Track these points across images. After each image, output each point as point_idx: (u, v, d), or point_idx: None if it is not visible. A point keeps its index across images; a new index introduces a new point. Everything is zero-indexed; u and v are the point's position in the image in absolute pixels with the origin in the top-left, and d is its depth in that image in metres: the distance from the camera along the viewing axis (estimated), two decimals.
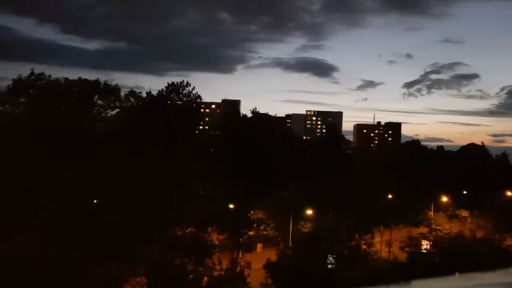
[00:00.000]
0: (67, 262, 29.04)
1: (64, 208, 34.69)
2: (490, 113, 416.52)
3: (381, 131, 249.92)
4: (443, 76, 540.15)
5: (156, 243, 40.10)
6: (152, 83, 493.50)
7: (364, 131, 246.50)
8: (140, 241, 37.77)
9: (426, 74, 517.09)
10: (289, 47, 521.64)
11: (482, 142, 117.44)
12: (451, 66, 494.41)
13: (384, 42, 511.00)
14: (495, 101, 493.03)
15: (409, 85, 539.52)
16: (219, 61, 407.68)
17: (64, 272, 28.87)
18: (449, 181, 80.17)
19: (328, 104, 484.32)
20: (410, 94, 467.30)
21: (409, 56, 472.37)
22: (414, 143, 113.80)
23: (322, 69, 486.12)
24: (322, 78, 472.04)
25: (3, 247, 27.53)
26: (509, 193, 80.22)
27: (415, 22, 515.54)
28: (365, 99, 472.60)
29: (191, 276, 36.34)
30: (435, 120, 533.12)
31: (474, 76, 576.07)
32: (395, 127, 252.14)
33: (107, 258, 33.14)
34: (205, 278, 37.44)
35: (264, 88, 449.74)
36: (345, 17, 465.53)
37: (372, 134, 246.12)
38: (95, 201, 43.30)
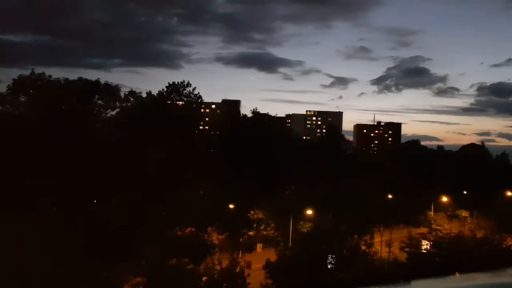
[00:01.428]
0: (67, 262, 29.04)
1: (64, 208, 34.70)
2: (465, 110, 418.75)
3: (381, 131, 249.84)
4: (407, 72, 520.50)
5: (156, 243, 40.09)
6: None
7: (364, 131, 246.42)
8: (140, 241, 37.76)
9: (389, 69, 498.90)
10: (215, 41, 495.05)
11: (482, 142, 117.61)
12: (412, 61, 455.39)
13: (340, 36, 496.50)
14: (469, 99, 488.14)
15: (376, 82, 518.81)
16: (156, 56, 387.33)
17: (64, 272, 28.88)
18: (449, 181, 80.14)
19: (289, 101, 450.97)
20: (380, 92, 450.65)
21: (366, 50, 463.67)
22: (414, 143, 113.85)
23: (269, 64, 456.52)
24: (271, 74, 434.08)
25: (3, 246, 27.53)
26: (509, 193, 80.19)
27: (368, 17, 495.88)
28: (340, 96, 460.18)
29: (190, 276, 36.32)
30: (412, 119, 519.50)
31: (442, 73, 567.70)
32: (395, 127, 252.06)
33: (107, 258, 33.11)
34: (205, 278, 37.43)
35: (210, 83, 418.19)
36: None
37: (372, 134, 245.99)
38: (95, 201, 43.29)
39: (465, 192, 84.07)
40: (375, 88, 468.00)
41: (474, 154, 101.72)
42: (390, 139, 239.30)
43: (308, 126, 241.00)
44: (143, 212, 41.34)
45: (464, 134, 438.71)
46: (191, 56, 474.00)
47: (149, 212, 42.17)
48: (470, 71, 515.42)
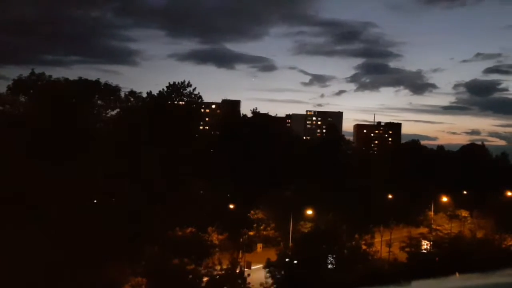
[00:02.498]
0: (67, 262, 29.05)
1: (64, 208, 34.69)
2: (446, 108, 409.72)
3: (381, 131, 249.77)
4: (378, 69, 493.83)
5: (156, 243, 40.10)
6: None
7: (364, 131, 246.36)
8: (140, 241, 37.78)
9: (360, 67, 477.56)
10: (160, 36, 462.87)
11: (482, 142, 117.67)
12: (381, 57, 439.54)
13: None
14: (448, 97, 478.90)
15: (352, 79, 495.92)
16: (110, 52, 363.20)
17: (63, 272, 28.89)
18: (449, 181, 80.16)
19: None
20: (357, 90, 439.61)
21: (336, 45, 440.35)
22: (414, 143, 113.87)
23: (228, 60, 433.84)
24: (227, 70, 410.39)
25: (3, 246, 27.54)
26: (509, 193, 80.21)
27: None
28: (322, 95, 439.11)
29: (191, 276, 36.32)
30: (395, 118, 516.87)
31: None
32: (395, 127, 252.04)
33: (107, 258, 33.13)
34: (205, 278, 37.42)
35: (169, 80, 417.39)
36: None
37: (372, 134, 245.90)
38: (95, 201, 43.31)
39: (465, 192, 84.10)
40: (352, 86, 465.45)
41: (474, 154, 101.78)
42: (390, 139, 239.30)
43: (308, 126, 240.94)
44: (143, 212, 41.36)
45: (454, 133, 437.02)
46: (145, 52, 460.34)
47: (149, 212, 42.19)
48: (442, 67, 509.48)
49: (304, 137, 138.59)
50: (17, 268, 26.81)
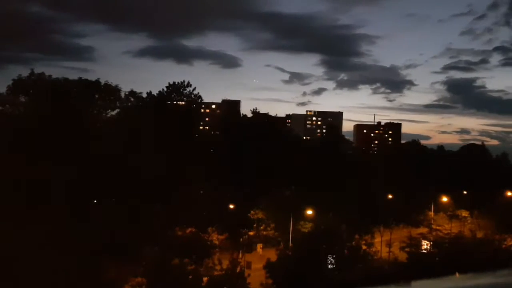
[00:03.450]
0: (67, 262, 29.03)
1: (64, 208, 34.68)
2: (429, 107, 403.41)
3: (381, 131, 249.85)
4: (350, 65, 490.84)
5: (156, 243, 40.11)
6: None
7: (364, 131, 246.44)
8: (140, 241, 37.78)
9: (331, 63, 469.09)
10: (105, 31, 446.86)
11: (482, 142, 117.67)
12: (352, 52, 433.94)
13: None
14: (428, 95, 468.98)
15: (331, 77, 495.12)
16: (64, 49, 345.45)
17: (63, 272, 28.87)
18: (449, 181, 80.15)
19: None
20: (336, 88, 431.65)
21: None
22: (414, 144, 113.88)
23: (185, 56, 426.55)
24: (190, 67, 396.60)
25: (3, 246, 27.54)
26: (509, 193, 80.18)
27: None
28: (303, 92, 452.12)
29: (191, 276, 36.32)
30: (382, 117, 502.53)
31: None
32: (395, 127, 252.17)
33: (107, 258, 33.13)
34: (205, 278, 37.43)
35: (130, 77, 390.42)
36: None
37: (372, 135, 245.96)
38: (95, 201, 43.32)
39: (465, 192, 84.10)
40: (331, 84, 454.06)
41: (474, 154, 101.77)
42: (390, 139, 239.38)
43: (308, 126, 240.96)
44: (143, 212, 41.36)
45: (444, 132, 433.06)
46: (100, 49, 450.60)
47: (149, 212, 42.18)
48: (415, 63, 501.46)
49: (304, 137, 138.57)
50: (17, 268, 26.81)
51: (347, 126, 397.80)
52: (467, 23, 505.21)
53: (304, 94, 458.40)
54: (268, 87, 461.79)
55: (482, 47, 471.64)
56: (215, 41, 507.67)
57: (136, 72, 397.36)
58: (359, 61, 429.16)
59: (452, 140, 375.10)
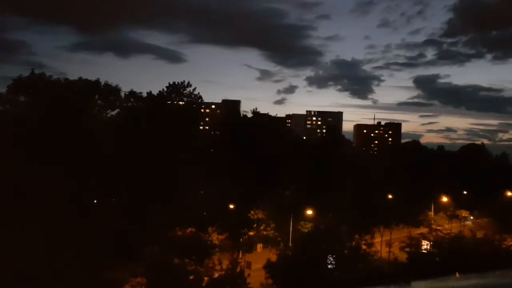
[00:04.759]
0: (68, 262, 29.05)
1: (64, 208, 34.69)
2: (408, 104, 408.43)
3: (381, 131, 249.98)
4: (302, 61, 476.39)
5: (156, 243, 40.10)
6: None
7: (364, 131, 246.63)
8: (140, 241, 37.78)
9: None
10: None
11: (482, 142, 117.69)
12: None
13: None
14: (404, 92, 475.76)
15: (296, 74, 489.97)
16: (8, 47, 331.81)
17: (63, 273, 28.89)
18: (449, 181, 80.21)
19: None
20: (308, 85, 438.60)
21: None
22: (414, 144, 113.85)
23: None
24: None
25: (3, 246, 27.55)
26: (509, 193, 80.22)
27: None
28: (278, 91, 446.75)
29: (191, 277, 36.33)
30: (363, 117, 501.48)
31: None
32: (395, 127, 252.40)
33: (108, 258, 33.13)
34: (205, 278, 37.44)
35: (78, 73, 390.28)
36: None
37: (372, 134, 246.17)
38: (95, 201, 43.29)
39: (465, 192, 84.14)
40: (301, 82, 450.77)
41: (474, 154, 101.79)
42: (390, 139, 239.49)
43: (308, 126, 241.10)
44: (143, 212, 41.36)
45: (431, 130, 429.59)
46: (32, 44, 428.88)
47: (149, 212, 42.17)
48: (376, 56, 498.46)
49: (304, 137, 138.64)
50: (17, 268, 26.81)
51: (348, 126, 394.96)
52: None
53: (279, 92, 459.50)
54: (212, 81, 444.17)
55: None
56: (159, 37, 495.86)
57: (72, 66, 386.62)
58: (317, 57, 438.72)
59: (439, 140, 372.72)
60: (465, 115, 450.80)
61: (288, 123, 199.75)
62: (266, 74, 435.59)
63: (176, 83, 60.81)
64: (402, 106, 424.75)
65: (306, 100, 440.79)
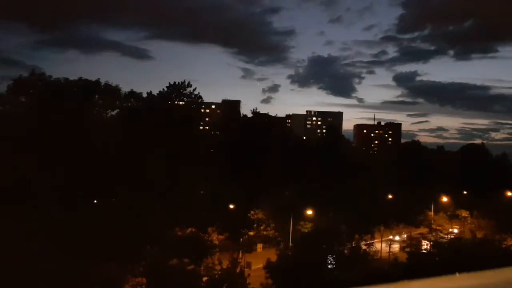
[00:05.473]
0: (67, 262, 29.03)
1: (64, 207, 34.71)
2: (393, 103, 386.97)
3: (381, 131, 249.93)
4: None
5: (156, 243, 40.08)
6: None
7: (364, 131, 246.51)
8: (140, 241, 37.76)
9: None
10: None
11: (482, 142, 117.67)
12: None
13: None
14: (387, 91, 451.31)
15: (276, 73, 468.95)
16: None
17: (63, 272, 28.87)
18: (449, 181, 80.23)
19: None
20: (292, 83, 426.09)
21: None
22: (415, 143, 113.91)
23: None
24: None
25: (3, 246, 27.54)
26: (509, 193, 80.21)
27: None
28: (263, 90, 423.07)
29: (191, 277, 36.31)
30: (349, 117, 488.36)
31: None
32: (395, 127, 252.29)
33: (107, 258, 33.12)
34: (205, 278, 37.42)
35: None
36: None
37: (372, 134, 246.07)
38: (95, 201, 43.30)
39: (465, 192, 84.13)
40: (285, 81, 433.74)
41: (474, 154, 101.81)
42: (390, 139, 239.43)
43: (308, 126, 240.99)
44: (143, 212, 41.33)
45: (422, 129, 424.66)
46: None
47: (149, 212, 42.16)
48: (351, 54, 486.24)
49: (304, 137, 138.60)
50: (17, 268, 26.80)
51: (348, 126, 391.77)
52: None
53: (264, 91, 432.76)
54: (181, 78, 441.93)
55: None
56: (122, 33, 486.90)
57: (38, 63, 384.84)
58: (285, 53, 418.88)
59: (430, 139, 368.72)
60: (452, 114, 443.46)
61: (288, 123, 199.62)
62: (229, 69, 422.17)
63: (177, 83, 60.89)
64: (387, 104, 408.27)
65: (289, 99, 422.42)
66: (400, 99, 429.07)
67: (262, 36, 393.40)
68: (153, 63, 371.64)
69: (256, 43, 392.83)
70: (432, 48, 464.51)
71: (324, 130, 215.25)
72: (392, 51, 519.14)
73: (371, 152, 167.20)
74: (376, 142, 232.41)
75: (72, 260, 29.43)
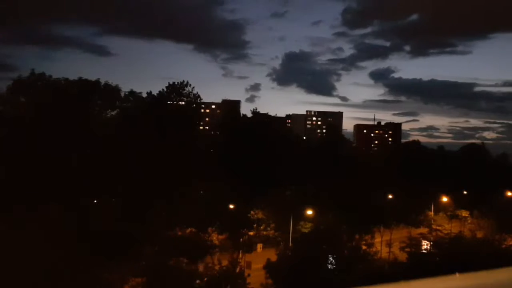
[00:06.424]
0: (67, 262, 29.02)
1: (64, 207, 34.68)
2: (379, 102, 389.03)
3: (381, 131, 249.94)
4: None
5: (156, 243, 40.08)
6: None
7: (364, 131, 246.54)
8: (140, 241, 37.76)
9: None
10: None
11: (482, 142, 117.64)
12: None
13: None
14: (368, 90, 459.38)
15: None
16: None
17: (63, 272, 28.86)
18: (449, 181, 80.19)
19: None
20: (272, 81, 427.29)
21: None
22: (415, 143, 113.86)
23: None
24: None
25: (2, 246, 27.52)
26: (509, 193, 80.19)
27: None
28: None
29: (190, 277, 36.31)
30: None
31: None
32: (395, 127, 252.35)
33: (107, 258, 33.11)
34: (205, 278, 37.42)
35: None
36: None
37: (372, 134, 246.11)
38: (95, 201, 43.29)
39: (465, 192, 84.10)
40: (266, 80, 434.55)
41: (474, 154, 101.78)
42: (390, 139, 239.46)
43: (309, 126, 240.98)
44: (143, 212, 41.34)
45: (412, 129, 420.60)
46: None
47: (149, 212, 42.17)
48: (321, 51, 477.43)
49: (304, 137, 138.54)
50: (16, 268, 26.79)
51: (348, 126, 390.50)
52: None
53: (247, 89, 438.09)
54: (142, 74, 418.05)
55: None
56: (84, 30, 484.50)
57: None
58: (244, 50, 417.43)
59: (421, 139, 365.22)
60: (438, 113, 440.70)
61: (288, 123, 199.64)
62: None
63: (176, 83, 60.92)
64: (371, 103, 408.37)
65: (271, 98, 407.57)
66: (382, 97, 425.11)
67: (215, 30, 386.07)
68: (115, 59, 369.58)
69: (210, 37, 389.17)
70: (388, 44, 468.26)
71: (324, 130, 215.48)
72: (347, 47, 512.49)
73: (371, 152, 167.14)
74: (376, 142, 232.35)
75: (71, 260, 29.42)
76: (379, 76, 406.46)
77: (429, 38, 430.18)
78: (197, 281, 36.62)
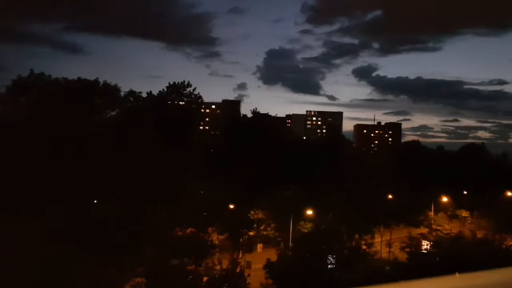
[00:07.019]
0: (67, 263, 29.03)
1: (64, 208, 34.70)
2: (367, 100, 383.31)
3: (381, 131, 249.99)
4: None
5: (156, 243, 40.07)
6: None
7: (364, 131, 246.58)
8: (140, 241, 37.76)
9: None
10: None
11: (482, 142, 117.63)
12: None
13: None
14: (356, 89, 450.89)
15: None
16: None
17: (63, 273, 28.87)
18: (449, 181, 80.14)
19: None
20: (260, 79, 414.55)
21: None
22: (415, 143, 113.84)
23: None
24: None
25: (2, 247, 27.53)
26: (509, 193, 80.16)
27: None
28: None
29: (190, 276, 36.31)
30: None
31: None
32: (396, 127, 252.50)
33: (107, 259, 33.12)
34: (205, 278, 37.42)
35: None
36: None
37: (372, 134, 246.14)
38: (95, 201, 43.29)
39: (465, 192, 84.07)
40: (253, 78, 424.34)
41: (474, 154, 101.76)
42: (390, 139, 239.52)
43: (309, 126, 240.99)
44: (143, 213, 41.34)
45: (406, 129, 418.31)
46: None
47: (149, 212, 42.16)
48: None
49: (304, 137, 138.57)
50: (17, 267, 26.80)
51: (348, 126, 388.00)
52: None
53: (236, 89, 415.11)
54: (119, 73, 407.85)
55: None
56: (51, 27, 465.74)
57: None
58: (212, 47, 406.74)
59: (415, 139, 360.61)
60: (428, 111, 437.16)
61: (288, 123, 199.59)
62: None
63: (176, 83, 60.94)
64: (357, 102, 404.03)
65: (259, 98, 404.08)
66: (369, 96, 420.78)
67: (179, 27, 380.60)
68: (86, 57, 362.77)
69: (177, 34, 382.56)
70: (356, 42, 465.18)
71: (324, 130, 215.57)
72: (316, 45, 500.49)
73: (371, 152, 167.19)
74: (376, 142, 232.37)
75: (72, 260, 29.43)
76: (362, 74, 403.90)
77: (397, 35, 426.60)
78: (197, 281, 36.61)
